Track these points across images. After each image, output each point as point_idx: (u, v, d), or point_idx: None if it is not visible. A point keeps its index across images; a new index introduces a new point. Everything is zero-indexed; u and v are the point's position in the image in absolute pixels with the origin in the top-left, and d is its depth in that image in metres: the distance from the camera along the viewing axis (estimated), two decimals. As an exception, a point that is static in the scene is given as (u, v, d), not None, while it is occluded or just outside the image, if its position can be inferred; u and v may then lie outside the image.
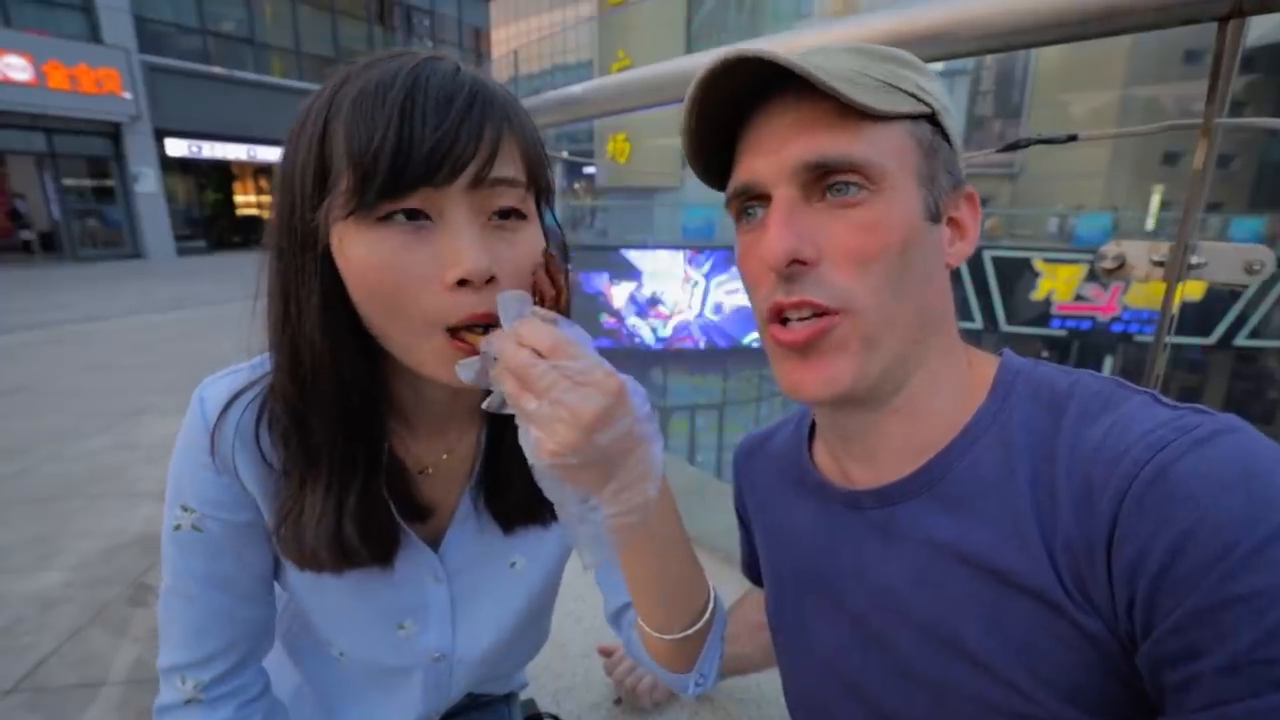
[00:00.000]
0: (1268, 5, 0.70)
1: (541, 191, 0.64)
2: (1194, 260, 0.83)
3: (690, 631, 0.75)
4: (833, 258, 0.55)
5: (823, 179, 0.55)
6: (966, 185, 0.62)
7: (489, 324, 0.57)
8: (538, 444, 0.53)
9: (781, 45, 0.58)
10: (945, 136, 0.60)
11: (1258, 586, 0.40)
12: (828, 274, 0.55)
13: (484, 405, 0.57)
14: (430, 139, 0.52)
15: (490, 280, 0.56)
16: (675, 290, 13.53)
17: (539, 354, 0.53)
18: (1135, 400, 0.53)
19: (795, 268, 0.55)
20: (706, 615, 0.76)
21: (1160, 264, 0.86)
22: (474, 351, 0.57)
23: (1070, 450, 0.52)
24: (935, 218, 0.58)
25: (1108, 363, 11.89)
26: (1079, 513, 0.50)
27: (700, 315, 13.63)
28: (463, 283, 0.55)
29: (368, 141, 0.52)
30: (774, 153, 0.56)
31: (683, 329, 13.75)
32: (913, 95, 0.57)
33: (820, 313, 0.56)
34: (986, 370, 0.63)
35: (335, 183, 0.54)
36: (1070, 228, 14.18)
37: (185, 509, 0.68)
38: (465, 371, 0.56)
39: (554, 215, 0.70)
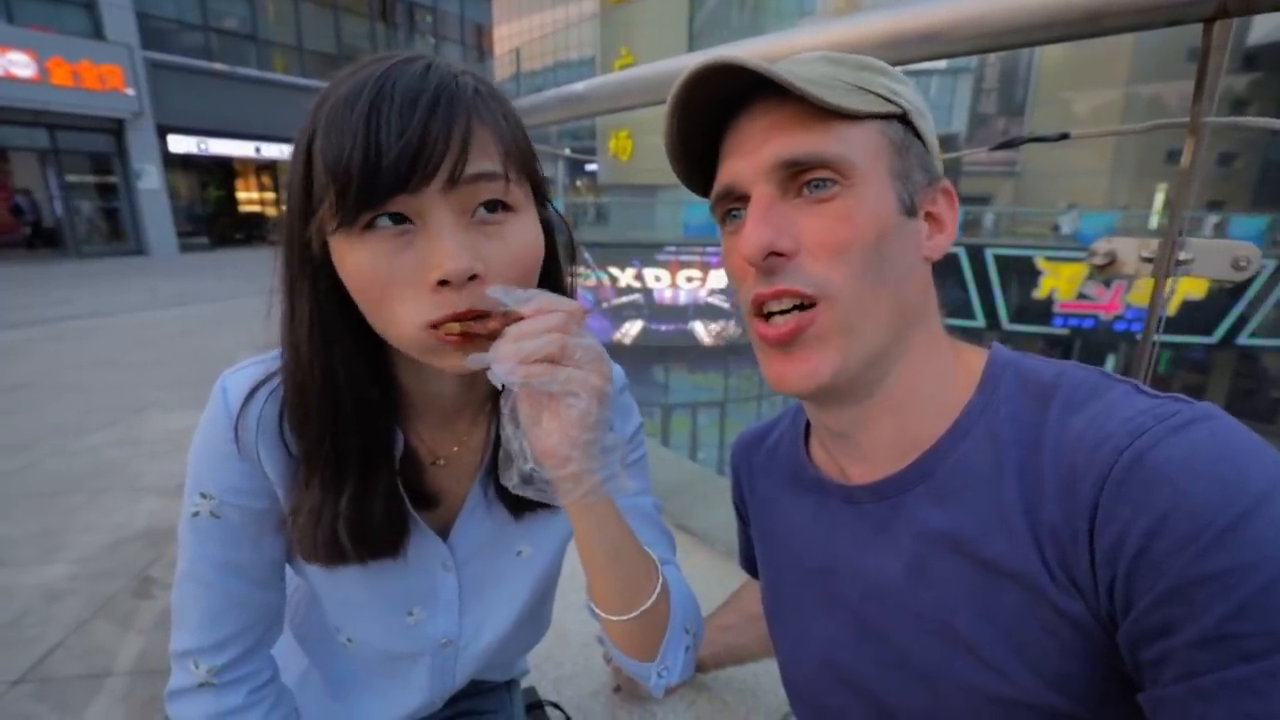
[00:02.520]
0: (1252, 7, 0.71)
1: (533, 181, 0.65)
2: (1182, 256, 0.84)
3: (644, 608, 0.74)
4: (810, 249, 0.57)
5: (798, 176, 0.58)
6: (943, 181, 0.64)
7: (468, 318, 0.58)
8: (573, 407, 0.57)
9: (758, 51, 0.60)
10: (919, 136, 0.62)
11: (1227, 565, 0.42)
12: (805, 264, 0.57)
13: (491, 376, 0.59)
14: (396, 145, 0.53)
15: (474, 278, 0.57)
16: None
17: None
18: (1118, 390, 0.54)
19: (773, 260, 0.57)
20: (657, 590, 0.75)
21: (1149, 260, 0.87)
22: (456, 340, 0.58)
23: (1055, 441, 0.54)
24: (911, 212, 0.60)
25: (1110, 361, 11.88)
26: (1063, 500, 0.52)
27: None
28: (445, 283, 0.56)
29: (339, 155, 0.53)
30: (751, 153, 0.59)
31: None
32: (884, 98, 0.60)
33: (799, 304, 0.58)
34: (975, 363, 0.64)
35: (321, 198, 0.56)
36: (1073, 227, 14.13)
37: (204, 495, 0.69)
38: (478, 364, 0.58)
39: (553, 205, 0.71)
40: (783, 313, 0.59)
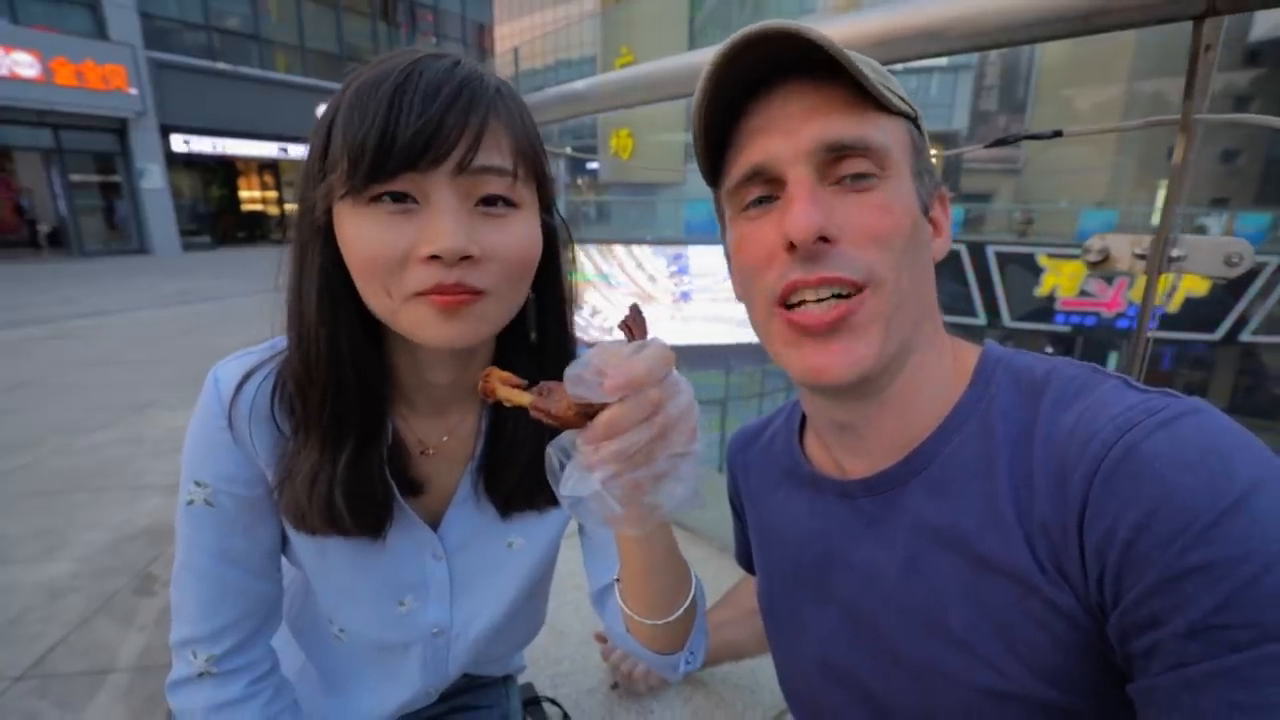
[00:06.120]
0: (1241, 5, 0.72)
1: (540, 183, 0.67)
2: (1175, 253, 0.85)
3: (682, 610, 0.77)
4: (852, 237, 0.56)
5: (837, 163, 0.57)
6: (941, 186, 0.65)
7: (456, 293, 0.59)
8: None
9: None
10: (924, 140, 0.63)
11: (1214, 558, 0.42)
12: (849, 251, 0.56)
13: (562, 492, 0.50)
14: (414, 126, 0.56)
15: (467, 258, 0.59)
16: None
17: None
18: (1107, 385, 0.55)
19: (819, 245, 0.55)
20: (693, 592, 0.79)
21: (1142, 257, 0.88)
22: (444, 301, 0.59)
23: (1046, 435, 0.55)
24: (925, 210, 0.61)
25: (1112, 358, 11.83)
26: (1053, 494, 0.52)
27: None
28: (435, 258, 0.58)
29: (358, 129, 0.56)
30: (790, 134, 0.57)
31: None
32: (901, 98, 0.60)
33: (840, 293, 0.56)
34: (968, 360, 0.65)
35: (333, 168, 0.58)
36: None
37: (198, 484, 0.71)
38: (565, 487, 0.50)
39: (558, 210, 0.73)
40: (820, 301, 0.57)
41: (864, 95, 0.55)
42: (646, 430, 0.47)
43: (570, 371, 0.47)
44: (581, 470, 0.48)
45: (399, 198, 0.58)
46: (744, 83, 0.59)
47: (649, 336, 0.52)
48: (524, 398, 0.51)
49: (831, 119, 0.56)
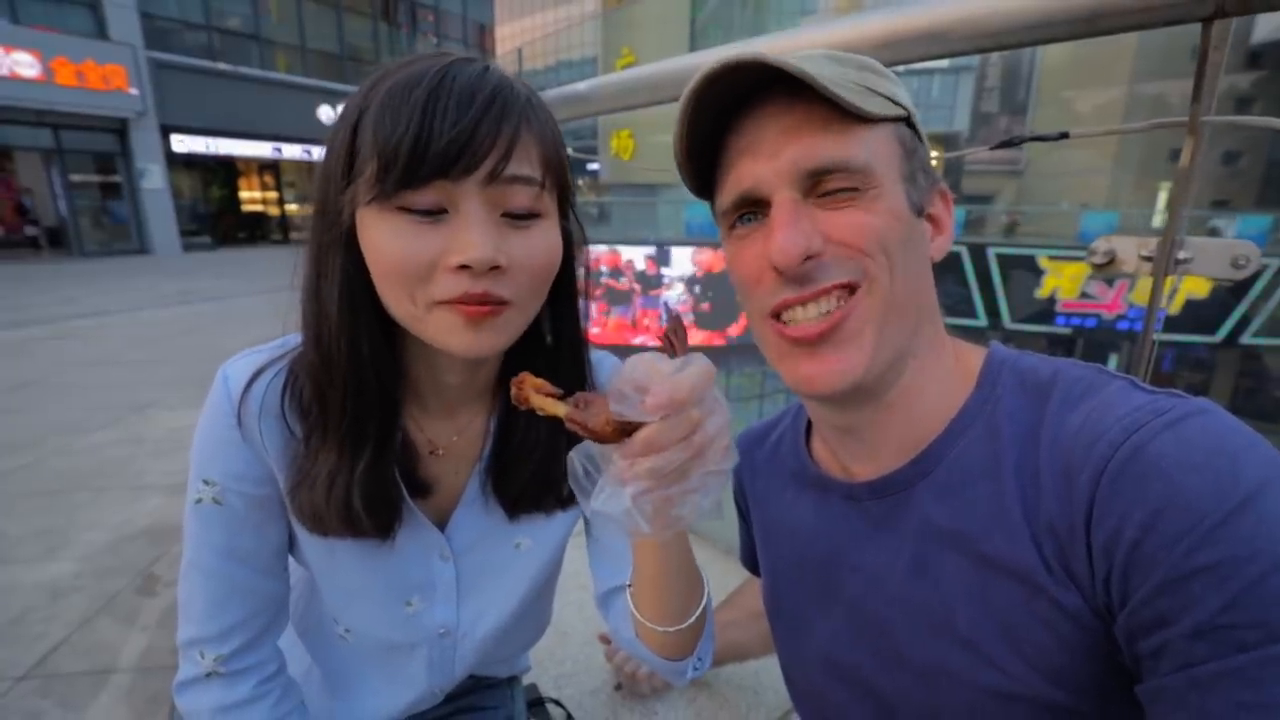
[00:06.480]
0: (1249, 7, 0.72)
1: (563, 193, 0.67)
2: (1181, 255, 0.85)
3: (694, 618, 0.77)
4: (838, 249, 0.57)
5: (820, 181, 0.57)
6: (940, 183, 0.65)
7: (482, 302, 0.59)
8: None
9: (763, 48, 0.60)
10: (920, 140, 0.63)
11: (1221, 558, 0.43)
12: (837, 257, 0.57)
13: (594, 506, 0.49)
14: (448, 134, 0.55)
15: (495, 269, 0.59)
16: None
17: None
18: (1114, 386, 0.55)
19: (805, 265, 0.57)
20: (705, 599, 0.79)
21: (1148, 259, 0.88)
22: (471, 311, 0.59)
23: (1053, 436, 0.55)
24: (919, 213, 0.61)
25: (1112, 360, 11.83)
26: (1060, 494, 0.52)
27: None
28: (464, 268, 0.57)
29: (390, 134, 0.56)
30: (771, 158, 0.58)
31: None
32: (889, 99, 0.60)
33: (831, 309, 0.57)
34: (973, 362, 0.65)
35: (361, 170, 0.58)
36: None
37: (207, 482, 0.70)
38: (598, 502, 0.49)
39: (576, 217, 0.73)
40: (806, 317, 0.58)
41: (843, 109, 0.56)
42: (685, 449, 0.47)
43: (612, 387, 0.47)
44: (614, 484, 0.48)
45: (427, 213, 0.58)
46: (726, 102, 0.60)
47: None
48: (559, 408, 0.50)
49: (810, 141, 0.57)
